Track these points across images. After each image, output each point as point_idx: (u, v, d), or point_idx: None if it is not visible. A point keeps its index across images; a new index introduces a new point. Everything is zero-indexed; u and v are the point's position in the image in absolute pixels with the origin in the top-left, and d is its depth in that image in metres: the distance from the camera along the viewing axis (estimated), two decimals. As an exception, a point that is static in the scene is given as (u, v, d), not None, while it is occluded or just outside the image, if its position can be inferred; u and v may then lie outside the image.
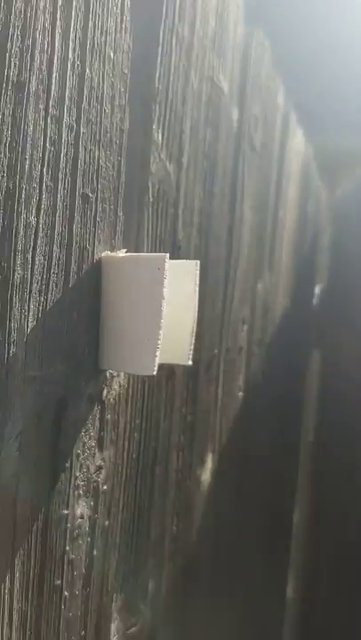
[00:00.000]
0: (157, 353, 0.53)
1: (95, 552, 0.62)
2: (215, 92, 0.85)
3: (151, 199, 0.67)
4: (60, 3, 0.48)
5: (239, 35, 0.95)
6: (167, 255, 0.53)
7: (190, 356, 0.61)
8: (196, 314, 0.61)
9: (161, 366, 0.72)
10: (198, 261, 0.61)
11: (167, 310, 0.58)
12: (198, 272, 0.60)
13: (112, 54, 0.56)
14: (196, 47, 0.76)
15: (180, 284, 0.60)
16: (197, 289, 0.60)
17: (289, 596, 1.94)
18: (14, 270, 0.45)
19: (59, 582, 0.55)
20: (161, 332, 0.53)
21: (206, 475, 1.00)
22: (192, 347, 0.61)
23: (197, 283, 0.60)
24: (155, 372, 0.53)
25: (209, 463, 1.02)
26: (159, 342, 0.53)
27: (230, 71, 0.92)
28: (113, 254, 0.55)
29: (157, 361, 0.53)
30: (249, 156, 1.06)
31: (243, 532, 1.30)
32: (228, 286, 1.03)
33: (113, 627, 0.69)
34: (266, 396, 1.47)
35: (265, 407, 1.45)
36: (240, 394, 1.19)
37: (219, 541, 1.09)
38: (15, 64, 0.43)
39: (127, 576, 0.71)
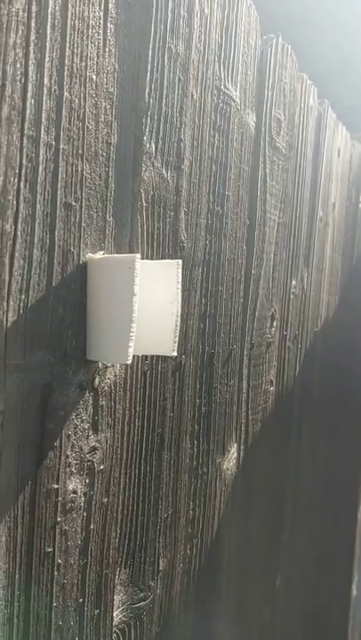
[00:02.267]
0: (131, 344, 0.59)
1: (92, 526, 0.68)
2: (224, 100, 0.90)
3: (145, 204, 0.73)
4: (32, 37, 0.55)
5: (253, 44, 0.99)
6: (138, 256, 0.58)
7: (175, 348, 0.67)
8: (180, 309, 0.66)
9: (165, 359, 0.78)
10: (180, 260, 0.66)
11: (148, 305, 0.64)
12: (180, 270, 0.66)
13: (94, 76, 0.63)
14: (195, 61, 0.81)
15: (161, 282, 0.65)
16: (180, 285, 0.66)
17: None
18: (-10, 272, 0.52)
19: (50, 550, 0.62)
20: (134, 324, 0.58)
21: (229, 464, 1.05)
22: (176, 339, 0.66)
23: (180, 280, 0.66)
24: (129, 361, 0.59)
25: (233, 453, 1.06)
26: (132, 334, 0.58)
27: (242, 79, 0.96)
28: (93, 256, 0.61)
29: (131, 351, 0.59)
30: (271, 158, 1.10)
31: (271, 524, 1.33)
32: (249, 283, 1.07)
33: (117, 599, 0.75)
34: (309, 391, 1.49)
35: (308, 400, 1.48)
36: (271, 388, 1.23)
37: (241, 530, 1.13)
38: (-15, 95, 0.50)
39: (133, 552, 0.77)
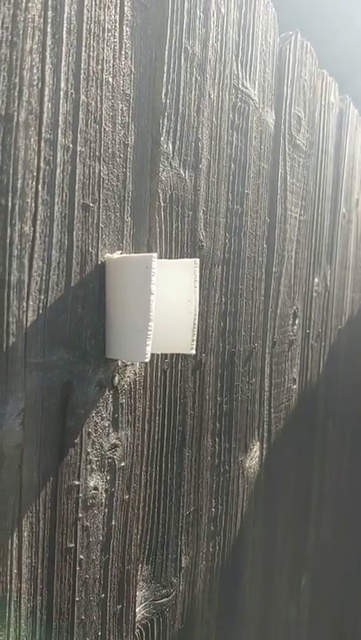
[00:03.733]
0: (148, 342, 0.59)
1: (114, 522, 0.69)
2: (242, 99, 0.90)
3: (163, 204, 0.73)
4: (48, 42, 0.56)
5: (271, 41, 0.99)
6: (155, 255, 0.59)
7: (193, 346, 0.67)
8: (198, 307, 0.67)
9: (185, 357, 0.79)
10: (198, 259, 0.66)
11: (166, 304, 0.65)
12: (198, 269, 0.66)
13: (111, 79, 0.64)
14: (211, 61, 0.81)
15: (179, 281, 0.66)
16: (197, 284, 0.66)
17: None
18: (10, 273, 0.53)
19: (72, 545, 0.63)
20: (151, 323, 0.59)
21: (252, 462, 1.05)
22: (195, 337, 0.67)
23: (197, 279, 0.66)
24: (147, 359, 0.60)
25: (255, 451, 1.06)
26: (150, 332, 0.59)
27: (261, 77, 0.96)
28: (110, 256, 0.62)
29: (149, 349, 0.60)
30: (291, 155, 1.10)
31: (296, 523, 1.33)
32: (270, 281, 1.07)
33: (139, 595, 0.76)
34: (333, 389, 1.49)
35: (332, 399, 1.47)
36: (294, 386, 1.23)
37: (264, 529, 1.13)
38: (2, 100, 0.51)
39: (155, 549, 0.78)
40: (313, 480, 1.42)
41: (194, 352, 0.68)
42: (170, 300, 0.65)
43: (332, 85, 1.28)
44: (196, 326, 0.67)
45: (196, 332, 0.67)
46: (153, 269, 0.59)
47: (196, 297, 0.67)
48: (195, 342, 0.67)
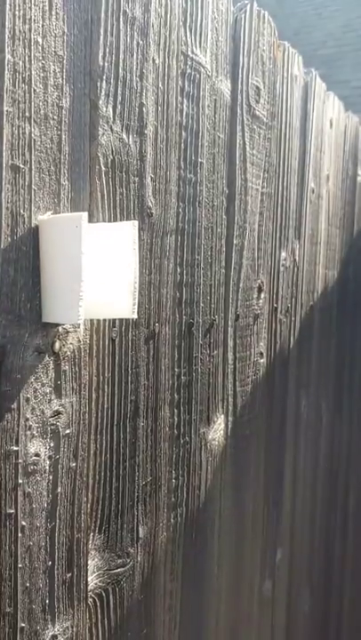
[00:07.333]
0: (81, 303, 0.59)
1: (60, 489, 0.68)
2: (192, 66, 0.89)
3: (104, 169, 0.73)
4: (-33, -3, 0.55)
5: (223, 9, 0.98)
6: (85, 214, 0.58)
7: (135, 310, 0.66)
8: (138, 270, 0.66)
9: (136, 326, 0.78)
10: (136, 222, 0.66)
11: (103, 268, 0.64)
12: (136, 231, 0.65)
13: (40, 39, 0.63)
14: (155, 26, 0.80)
15: (117, 244, 0.65)
16: (136, 247, 0.66)
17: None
18: None
19: (12, 511, 0.62)
20: (83, 283, 0.58)
21: (216, 434, 1.04)
22: (135, 301, 0.66)
23: (136, 241, 0.65)
24: (80, 321, 0.59)
25: (220, 424, 1.06)
26: (82, 293, 0.58)
27: (213, 45, 0.95)
28: (42, 217, 0.62)
29: (82, 310, 0.59)
30: (250, 126, 1.09)
31: (268, 496, 1.33)
32: (231, 253, 1.06)
33: (92, 563, 0.75)
34: (307, 363, 1.48)
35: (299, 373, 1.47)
36: (261, 360, 1.22)
37: (233, 501, 1.13)
38: None
39: (108, 518, 0.78)
40: (288, 451, 1.41)
41: (135, 316, 0.67)
42: (108, 264, 0.65)
43: (295, 57, 1.27)
44: (137, 290, 0.66)
45: (137, 296, 0.66)
46: (83, 229, 0.58)
47: (135, 260, 0.66)
48: (136, 306, 0.67)
